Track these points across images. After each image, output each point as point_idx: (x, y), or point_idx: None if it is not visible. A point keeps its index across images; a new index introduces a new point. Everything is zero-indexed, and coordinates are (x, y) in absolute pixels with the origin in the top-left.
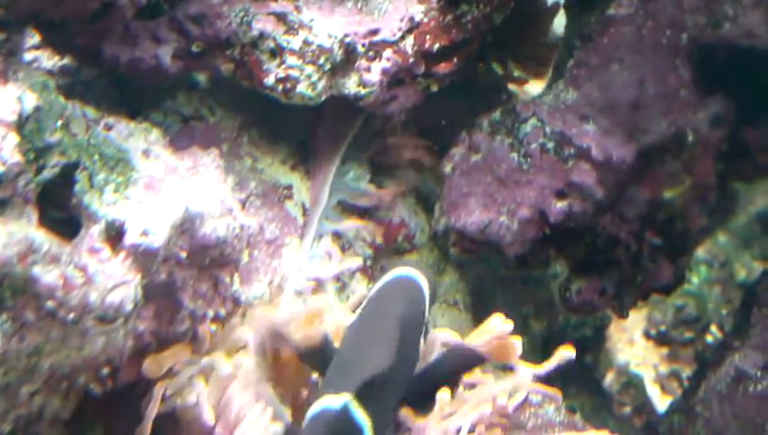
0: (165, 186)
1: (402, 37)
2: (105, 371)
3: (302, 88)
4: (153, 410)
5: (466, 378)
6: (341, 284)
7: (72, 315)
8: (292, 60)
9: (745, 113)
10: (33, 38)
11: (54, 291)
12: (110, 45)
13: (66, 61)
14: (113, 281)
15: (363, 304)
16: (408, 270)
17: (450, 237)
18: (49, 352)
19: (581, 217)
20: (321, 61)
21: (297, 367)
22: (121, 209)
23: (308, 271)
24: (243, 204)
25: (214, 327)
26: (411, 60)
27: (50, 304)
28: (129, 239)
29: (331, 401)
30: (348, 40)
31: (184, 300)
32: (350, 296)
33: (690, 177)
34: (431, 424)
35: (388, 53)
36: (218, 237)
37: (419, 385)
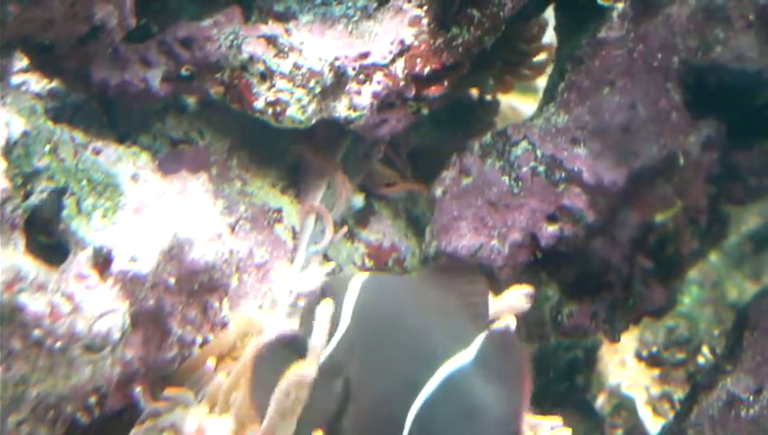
0: (153, 211)
1: (393, 60)
2: (92, 399)
3: (293, 111)
4: None
5: None
6: None
7: (59, 344)
8: (282, 83)
9: (737, 136)
10: (22, 61)
11: (41, 319)
12: (98, 69)
13: (55, 84)
14: (101, 309)
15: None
16: None
17: (441, 261)
18: (36, 381)
19: (573, 240)
20: (312, 84)
21: None
22: (109, 235)
23: (296, 288)
24: (232, 228)
25: None
26: (402, 83)
27: (37, 332)
28: (117, 265)
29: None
30: (338, 63)
31: (173, 326)
32: None
33: (682, 200)
34: None
35: (378, 76)
36: (207, 262)
37: None
